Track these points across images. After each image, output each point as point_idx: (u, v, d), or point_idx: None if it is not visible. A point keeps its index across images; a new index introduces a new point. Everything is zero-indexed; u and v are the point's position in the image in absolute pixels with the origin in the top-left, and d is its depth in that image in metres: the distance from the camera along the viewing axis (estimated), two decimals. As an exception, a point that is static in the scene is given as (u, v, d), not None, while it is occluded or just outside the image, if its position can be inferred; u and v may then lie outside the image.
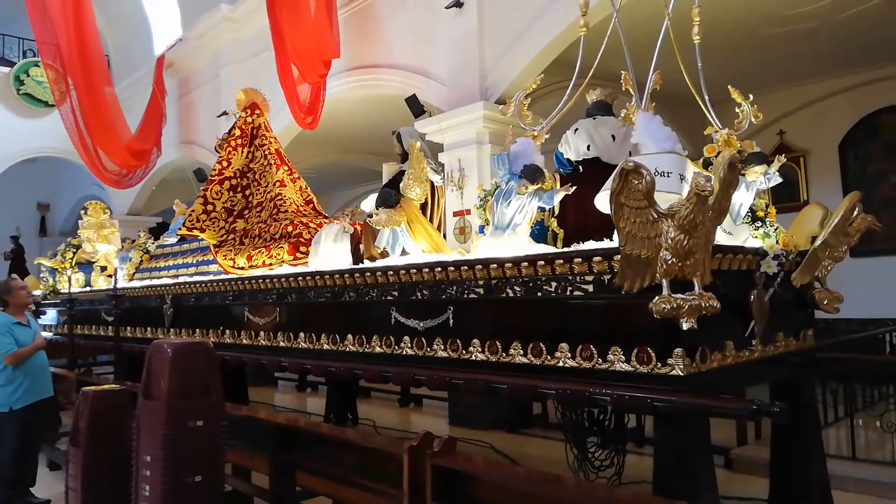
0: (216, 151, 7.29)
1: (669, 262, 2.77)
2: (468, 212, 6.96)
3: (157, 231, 11.87)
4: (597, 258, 3.12)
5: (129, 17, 14.80)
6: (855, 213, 3.81)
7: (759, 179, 3.75)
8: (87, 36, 12.29)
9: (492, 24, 7.03)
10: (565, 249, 3.30)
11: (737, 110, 3.73)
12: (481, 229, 4.89)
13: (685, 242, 2.71)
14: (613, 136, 4.01)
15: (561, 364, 3.27)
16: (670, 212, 2.73)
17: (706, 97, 3.64)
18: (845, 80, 8.90)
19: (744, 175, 3.66)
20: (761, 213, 3.80)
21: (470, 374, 3.63)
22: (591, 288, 3.20)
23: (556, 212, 3.94)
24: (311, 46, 7.68)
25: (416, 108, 7.30)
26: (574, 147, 4.01)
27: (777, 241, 3.43)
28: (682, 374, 2.84)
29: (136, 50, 14.75)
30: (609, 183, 3.32)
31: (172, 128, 12.63)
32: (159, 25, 14.41)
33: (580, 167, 4.03)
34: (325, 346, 4.72)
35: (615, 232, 3.36)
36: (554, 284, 3.35)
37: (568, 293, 3.28)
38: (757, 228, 3.65)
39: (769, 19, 7.00)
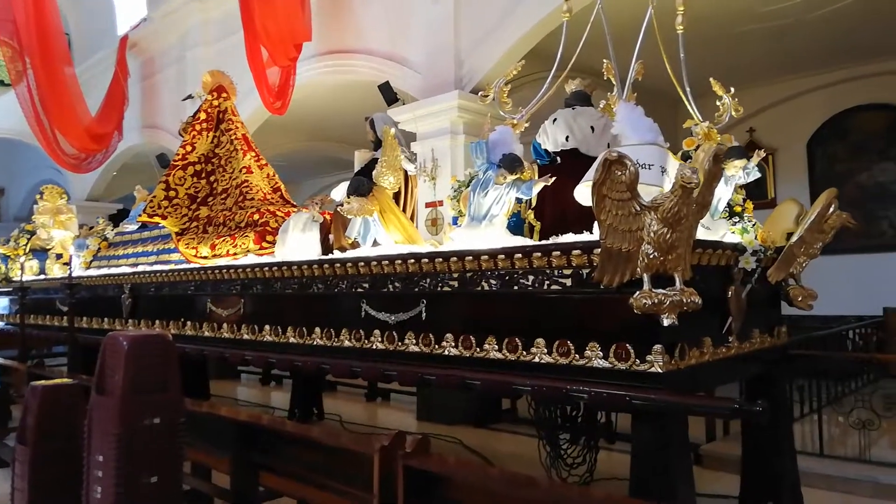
0: (180, 135, 7.03)
1: (651, 256, 2.69)
2: (440, 203, 6.84)
3: (117, 218, 11.48)
4: (576, 252, 3.03)
5: (91, -5, 14.29)
6: (830, 210, 3.79)
7: (738, 174, 3.70)
8: (47, 13, 11.81)
9: (468, 12, 6.89)
10: (543, 242, 3.20)
11: (717, 103, 3.67)
12: (454, 221, 4.77)
13: (668, 236, 2.62)
14: (592, 128, 3.92)
15: (537, 360, 3.17)
16: (654, 204, 2.64)
17: (688, 89, 3.57)
18: (815, 79, 8.99)
19: (723, 169, 3.61)
20: (738, 209, 3.76)
21: (443, 370, 3.51)
22: (569, 282, 3.11)
23: (534, 203, 3.84)
24: (282, 28, 7.45)
25: (390, 95, 7.14)
26: (552, 137, 3.91)
27: (755, 237, 3.38)
28: (661, 371, 2.76)
29: (98, 29, 14.22)
30: (590, 174, 3.23)
31: (135, 111, 12.22)
32: (123, 4, 13.92)
33: (558, 158, 3.93)
34: (292, 340, 4.56)
35: (595, 225, 3.28)
36: (531, 278, 3.25)
37: (545, 287, 3.18)
38: (734, 224, 3.60)
39: (745, 15, 7.00)
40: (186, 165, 6.57)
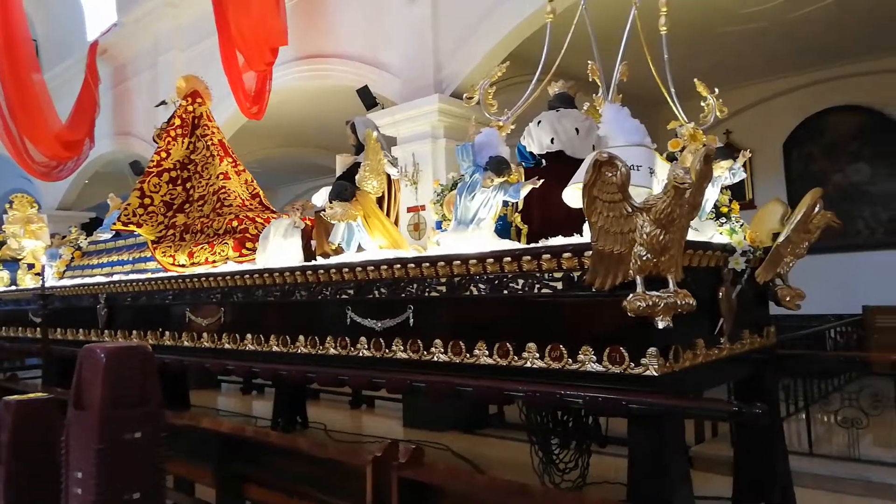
0: (154, 142, 6.88)
1: (644, 258, 2.66)
2: (423, 208, 6.78)
3: (90, 227, 11.21)
4: (566, 254, 2.99)
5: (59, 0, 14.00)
6: (816, 209, 3.81)
7: (724, 175, 3.71)
8: (12, 19, 11.57)
9: (447, 14, 6.85)
10: (533, 245, 3.16)
11: (702, 104, 3.67)
12: (438, 225, 4.71)
13: (661, 237, 2.59)
14: (577, 130, 3.88)
15: (529, 365, 3.12)
16: (646, 205, 2.61)
17: (672, 90, 3.56)
18: (791, 80, 9.11)
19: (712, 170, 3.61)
20: (725, 209, 3.76)
21: (432, 377, 3.45)
22: (559, 285, 3.07)
23: (521, 207, 3.79)
24: (258, 32, 7.34)
25: (369, 99, 7.07)
26: (537, 140, 3.87)
27: (744, 238, 3.37)
28: (656, 374, 2.73)
29: (66, 35, 13.95)
30: (578, 176, 3.20)
31: (107, 118, 11.98)
32: (93, 9, 13.66)
33: (543, 161, 3.89)
34: (275, 348, 4.46)
35: (584, 227, 3.25)
36: (521, 282, 3.20)
37: (535, 291, 3.14)
38: (721, 224, 3.60)
39: (723, 17, 7.06)
40: (161, 172, 6.43)
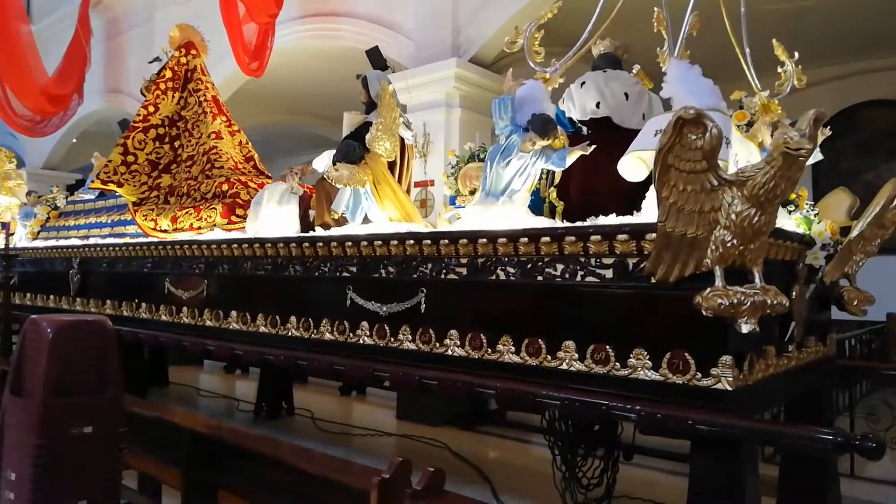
0: (142, 94, 6.29)
1: (729, 244, 2.13)
2: (431, 183, 6.23)
3: (76, 188, 10.61)
4: (621, 236, 2.45)
5: (52, -53, 13.24)
6: (894, 203, 3.29)
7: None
8: (1, -34, 10.86)
9: (468, -26, 6.25)
10: (579, 224, 2.62)
11: (779, 70, 3.12)
12: (452, 201, 4.18)
13: (756, 219, 2.06)
14: (627, 95, 3.34)
15: (565, 367, 2.60)
16: (739, 178, 2.07)
17: (747, 50, 3.01)
18: (825, 71, 8.54)
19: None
20: (793, 196, 3.23)
21: (446, 373, 2.92)
22: (609, 273, 2.54)
23: (557, 180, 3.25)
24: (263, -21, 6.73)
25: (379, 62, 6.42)
26: (580, 104, 3.33)
27: (825, 229, 2.85)
28: (730, 388, 2.21)
29: (59, -16, 13.21)
30: (638, 143, 2.67)
31: (97, 74, 11.31)
32: (87, -42, 12.91)
33: (585, 128, 3.34)
34: (262, 329, 3.93)
35: (636, 207, 2.73)
36: (560, 267, 2.67)
37: (578, 279, 2.61)
38: (790, 213, 3.07)
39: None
40: (148, 128, 5.86)
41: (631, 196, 3.07)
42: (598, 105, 3.29)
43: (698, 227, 2.18)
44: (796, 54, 3.08)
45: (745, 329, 2.12)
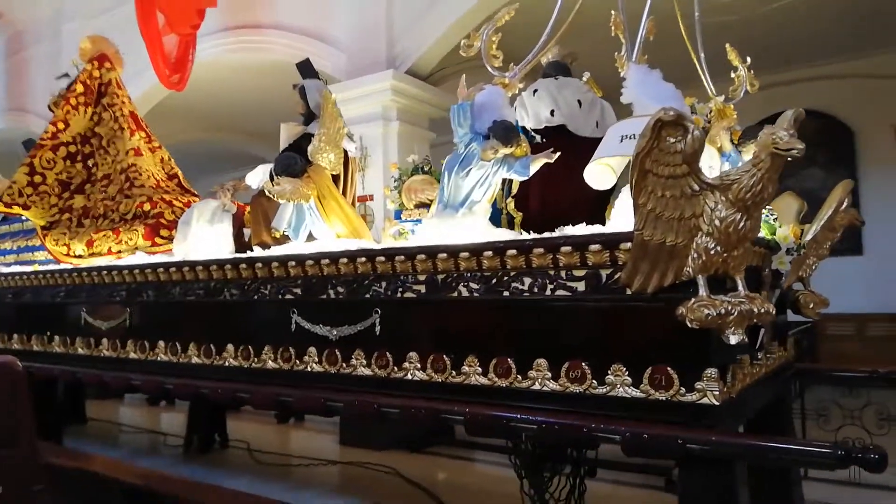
0: (50, 110, 5.79)
1: (713, 251, 2.02)
2: (370, 198, 6.01)
3: (-27, 214, 9.75)
4: (594, 246, 2.31)
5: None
6: (843, 205, 3.34)
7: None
8: None
9: (401, -17, 6.11)
10: (548, 235, 2.47)
11: (732, 75, 3.10)
12: (397, 215, 3.99)
13: (741, 224, 1.96)
14: (580, 102, 3.24)
15: (538, 387, 2.43)
16: (723, 182, 1.97)
17: (702, 55, 2.97)
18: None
19: (740, 152, 3.05)
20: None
21: (407, 400, 2.70)
22: (581, 286, 2.39)
23: (514, 191, 3.11)
24: (183, -12, 6.35)
25: (311, 75, 6.20)
26: (533, 112, 3.20)
27: (789, 233, 2.82)
28: (716, 402, 2.09)
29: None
30: (603, 149, 2.55)
31: (-1, 91, 10.53)
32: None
33: (537, 137, 3.21)
34: (195, 360, 3.58)
35: (599, 217, 2.62)
36: (528, 281, 2.51)
37: (548, 293, 2.46)
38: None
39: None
40: (57, 146, 5.37)
41: (595, 205, 2.98)
42: (552, 113, 3.18)
43: (678, 234, 2.07)
44: (748, 59, 3.05)
45: (733, 340, 2.01)
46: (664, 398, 2.18)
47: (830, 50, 8.18)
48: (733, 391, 2.24)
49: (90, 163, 5.41)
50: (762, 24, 7.06)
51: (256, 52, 7.35)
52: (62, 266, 4.57)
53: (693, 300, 2.03)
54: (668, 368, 2.18)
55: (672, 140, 1.98)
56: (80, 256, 4.53)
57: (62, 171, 5.32)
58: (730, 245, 2.00)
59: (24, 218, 5.22)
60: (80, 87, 5.65)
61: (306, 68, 6.44)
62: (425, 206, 3.81)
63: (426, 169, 4.13)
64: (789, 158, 1.89)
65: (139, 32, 7.07)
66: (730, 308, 1.99)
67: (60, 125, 5.46)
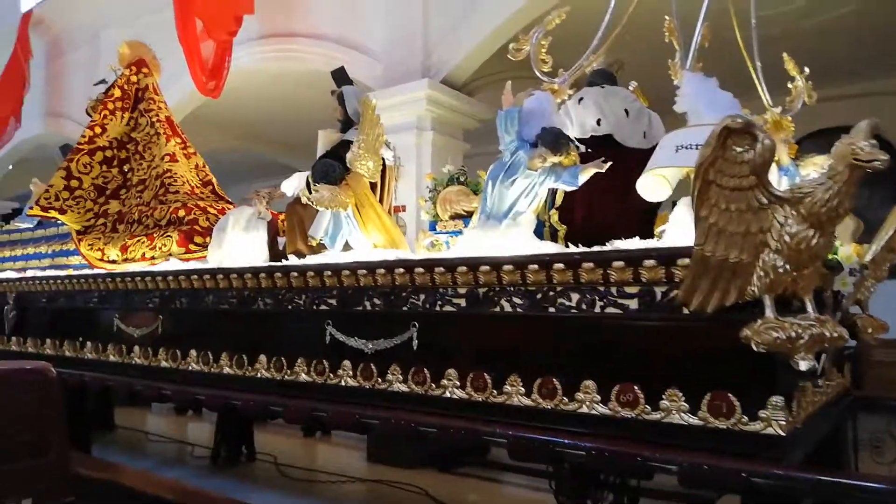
0: (88, 115, 5.82)
1: (781, 269, 1.88)
2: (403, 208, 5.92)
3: (11, 218, 9.90)
4: (649, 261, 2.19)
5: (-9, -36, 12.60)
6: (903, 225, 3.16)
7: (813, 174, 3.00)
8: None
9: (438, -8, 6.04)
10: (598, 249, 2.35)
11: (789, 85, 2.96)
12: (432, 227, 3.89)
13: (814, 241, 1.83)
14: (627, 111, 3.12)
15: (585, 410, 2.31)
16: (794, 195, 1.84)
17: (758, 64, 2.83)
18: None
19: (797, 167, 2.90)
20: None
21: (445, 419, 2.59)
22: (633, 304, 2.27)
23: (558, 202, 2.99)
24: (222, -5, 6.37)
25: (345, 83, 6.17)
26: (578, 121, 3.09)
27: (852, 252, 2.66)
28: (782, 433, 1.95)
29: (-2, 4, 12.54)
30: (655, 160, 2.43)
31: (37, 96, 10.68)
32: (28, -24, 12.32)
33: (582, 147, 3.09)
34: (227, 370, 3.52)
35: (651, 231, 2.49)
36: (576, 297, 2.39)
37: (598, 310, 2.34)
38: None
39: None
40: (94, 150, 5.39)
41: (643, 218, 2.85)
42: (598, 122, 3.06)
43: (743, 250, 1.94)
44: (806, 69, 2.91)
45: (803, 366, 1.87)
46: (725, 427, 2.04)
47: (877, 67, 7.92)
48: (798, 421, 2.09)
49: (126, 168, 5.42)
50: (803, 40, 6.86)
51: (291, 61, 7.35)
52: (96, 271, 4.56)
53: (759, 322, 1.90)
54: (729, 395, 2.04)
55: (739, 149, 1.86)
56: (113, 262, 4.51)
57: (98, 175, 5.33)
58: (800, 263, 1.87)
59: (59, 222, 5.24)
60: (117, 92, 5.68)
61: (341, 76, 6.41)
62: (460, 217, 3.72)
63: (462, 179, 4.04)
64: (869, 171, 1.76)
65: (176, 39, 7.12)
66: (800, 332, 1.85)
67: (98, 129, 5.49)
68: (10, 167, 12.21)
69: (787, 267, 1.88)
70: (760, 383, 2.01)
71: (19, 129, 10.54)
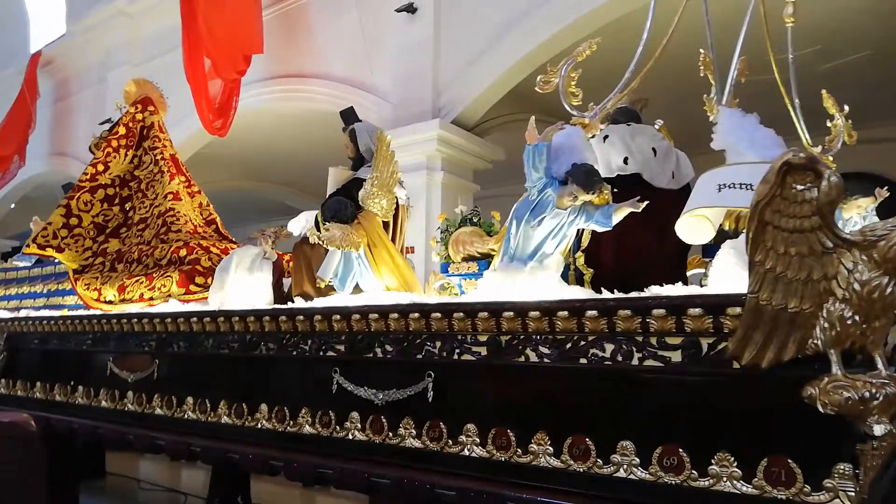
0: (91, 152, 5.70)
1: (849, 320, 1.69)
2: (412, 250, 5.75)
3: (11, 257, 9.76)
4: (694, 310, 1.99)
5: (2, 5, 12.77)
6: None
7: (856, 218, 2.84)
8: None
9: (450, 34, 5.99)
10: (635, 295, 2.16)
11: (828, 124, 2.81)
12: (444, 268, 3.71)
13: (888, 290, 1.63)
14: (654, 150, 2.97)
15: (622, 474, 2.08)
16: (866, 237, 1.65)
17: (796, 100, 2.69)
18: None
19: (840, 209, 2.73)
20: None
21: (464, 480, 2.36)
22: (676, 356, 2.06)
23: (584, 244, 2.81)
24: (231, 33, 6.32)
25: (353, 122, 6.09)
26: (604, 160, 2.93)
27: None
28: (851, 505, 1.73)
29: (8, 43, 12.66)
30: (695, 200, 2.26)
31: (43, 136, 10.65)
32: (40, 17, 12.46)
33: (612, 186, 2.93)
34: (225, 420, 3.29)
35: (681, 276, 2.31)
36: (609, 348, 2.19)
37: (635, 362, 2.13)
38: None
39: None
40: (95, 188, 5.25)
41: (675, 262, 2.67)
42: (626, 160, 2.91)
43: (804, 299, 1.75)
44: (846, 107, 2.77)
45: (878, 430, 1.66)
46: (784, 497, 1.82)
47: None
48: (864, 490, 1.86)
49: (127, 206, 5.27)
50: (823, 83, 6.79)
51: (300, 101, 7.29)
52: (90, 312, 4.36)
53: (826, 379, 1.69)
54: (789, 460, 1.82)
55: (800, 187, 1.68)
56: (110, 302, 4.32)
57: (99, 213, 5.18)
58: (871, 314, 1.67)
59: (56, 261, 5.07)
60: (121, 130, 5.57)
61: (350, 116, 6.32)
62: (474, 259, 3.56)
63: (475, 220, 3.88)
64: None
65: (184, 79, 7.08)
66: (874, 391, 1.64)
67: (100, 167, 5.35)
68: (13, 206, 12.12)
69: (857, 318, 1.68)
70: (824, 448, 1.79)
71: (23, 167, 10.47)
